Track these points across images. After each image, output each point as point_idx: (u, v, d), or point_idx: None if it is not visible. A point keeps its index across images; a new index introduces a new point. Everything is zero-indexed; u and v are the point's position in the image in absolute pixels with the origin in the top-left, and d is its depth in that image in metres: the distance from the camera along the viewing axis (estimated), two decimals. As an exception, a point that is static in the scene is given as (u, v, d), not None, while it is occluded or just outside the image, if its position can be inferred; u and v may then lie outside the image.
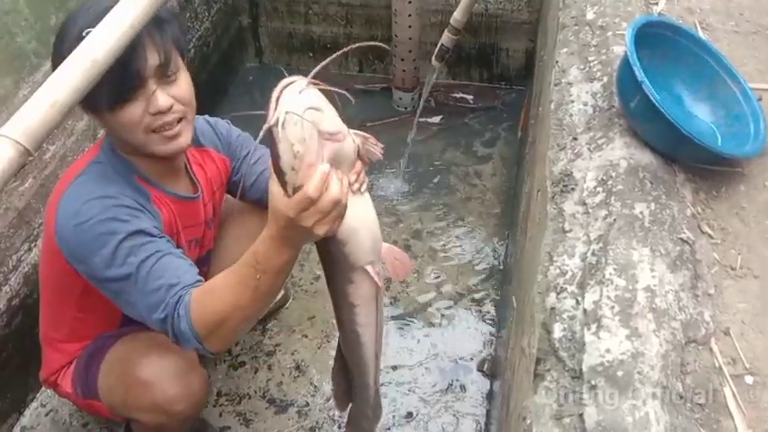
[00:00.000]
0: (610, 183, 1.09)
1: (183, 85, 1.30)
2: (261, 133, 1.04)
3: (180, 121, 1.30)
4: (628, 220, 1.02)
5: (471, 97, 3.09)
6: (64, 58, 1.15)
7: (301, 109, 1.02)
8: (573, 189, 1.13)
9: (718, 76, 1.21)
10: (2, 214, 1.82)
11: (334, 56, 1.19)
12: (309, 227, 1.06)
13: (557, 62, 1.41)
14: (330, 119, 1.08)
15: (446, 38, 2.25)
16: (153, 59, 1.23)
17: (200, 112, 1.49)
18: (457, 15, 2.20)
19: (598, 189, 1.09)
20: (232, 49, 3.14)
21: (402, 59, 2.82)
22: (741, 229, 1.07)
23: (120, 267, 1.24)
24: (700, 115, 1.22)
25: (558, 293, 0.98)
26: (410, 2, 2.62)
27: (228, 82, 3.14)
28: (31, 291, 1.89)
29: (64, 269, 1.34)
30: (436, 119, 3.00)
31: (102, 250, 1.24)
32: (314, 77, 1.12)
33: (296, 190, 1.07)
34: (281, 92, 1.06)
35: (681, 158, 1.13)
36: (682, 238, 1.01)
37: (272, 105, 1.04)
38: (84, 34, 1.19)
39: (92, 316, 1.54)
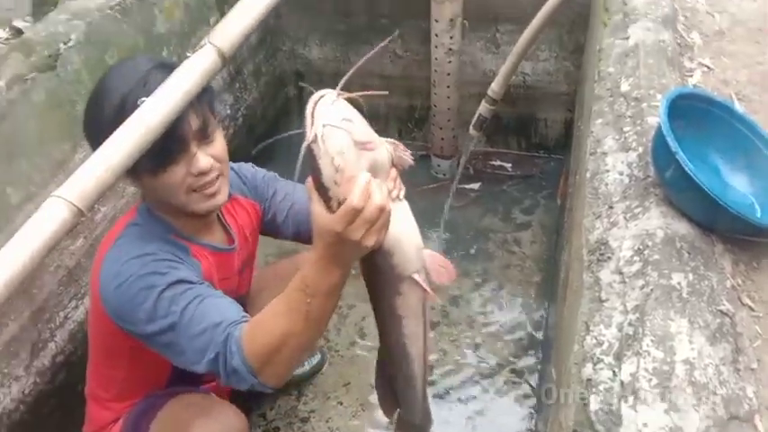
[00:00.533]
0: (646, 252, 1.08)
1: (219, 143, 1.36)
2: (301, 151, 1.03)
3: (218, 177, 1.36)
4: (665, 291, 1.01)
5: (510, 165, 3.12)
6: (101, 122, 1.23)
7: (336, 121, 1.02)
8: (609, 258, 1.12)
9: (754, 147, 1.21)
10: (52, 272, 1.89)
11: (360, 62, 1.17)
12: (358, 240, 1.05)
13: (592, 132, 1.43)
14: (362, 128, 1.07)
15: (484, 108, 2.30)
16: (194, 123, 1.29)
17: None
18: (494, 86, 2.25)
19: (634, 258, 1.09)
20: (278, 118, 3.26)
21: (441, 128, 2.89)
22: (784, 302, 1.04)
23: (164, 319, 1.25)
24: (737, 186, 1.21)
25: (594, 364, 0.97)
26: (449, 74, 2.70)
27: (275, 149, 3.25)
28: (75, 348, 1.94)
29: (111, 330, 1.37)
30: (475, 186, 3.03)
31: (144, 305, 1.26)
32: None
33: (340, 204, 1.04)
34: (314, 107, 1.04)
35: (719, 229, 1.13)
36: (721, 310, 1.00)
37: (308, 122, 1.03)
38: (138, 103, 1.27)
39: (140, 375, 1.56)
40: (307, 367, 2.22)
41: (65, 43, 1.89)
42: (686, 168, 1.04)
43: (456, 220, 2.86)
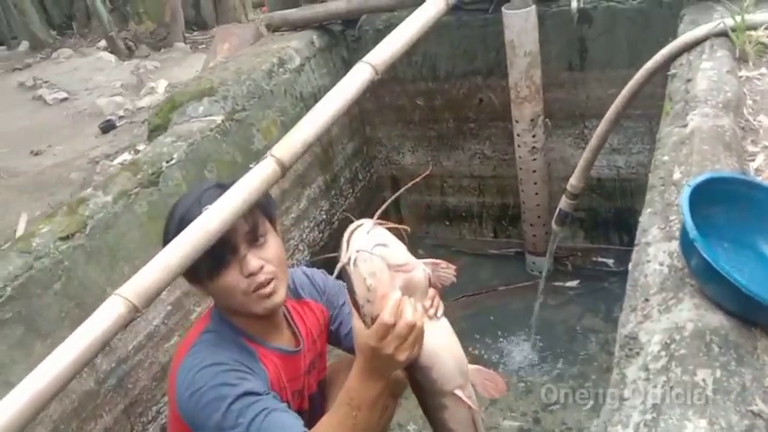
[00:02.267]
0: (673, 347, 1.00)
1: (273, 247, 1.45)
2: (335, 272, 1.18)
3: (272, 280, 1.45)
4: (686, 388, 0.93)
5: (611, 261, 3.00)
6: (167, 242, 1.37)
7: (369, 247, 1.13)
8: (638, 353, 1.05)
9: (808, 232, 1.11)
10: (147, 367, 2.06)
11: (396, 194, 1.32)
12: (391, 353, 1.13)
13: (640, 222, 1.37)
14: (397, 252, 1.17)
15: (564, 203, 2.28)
16: (242, 228, 1.41)
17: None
18: (573, 181, 2.23)
19: (661, 353, 1.01)
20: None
21: (532, 225, 2.86)
22: (837, 404, 0.91)
23: (232, 430, 1.33)
24: (790, 274, 1.10)
25: (606, 467, 0.90)
26: (534, 171, 2.71)
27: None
28: (167, 446, 2.06)
29: None
30: (573, 283, 2.93)
31: (214, 415, 1.34)
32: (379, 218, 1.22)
33: (374, 321, 1.14)
34: (351, 234, 1.19)
35: (761, 322, 1.02)
36: (752, 411, 0.89)
37: (344, 247, 1.17)
38: (203, 210, 1.42)
39: None
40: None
41: (167, 162, 2.15)
42: (705, 256, 0.98)
43: (552, 318, 2.76)
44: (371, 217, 1.20)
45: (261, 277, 1.42)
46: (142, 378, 2.04)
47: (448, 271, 1.25)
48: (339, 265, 1.16)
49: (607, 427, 0.96)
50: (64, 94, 4.22)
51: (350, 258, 1.13)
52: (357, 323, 1.20)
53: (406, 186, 1.36)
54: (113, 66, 5.04)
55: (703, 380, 0.94)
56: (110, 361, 1.94)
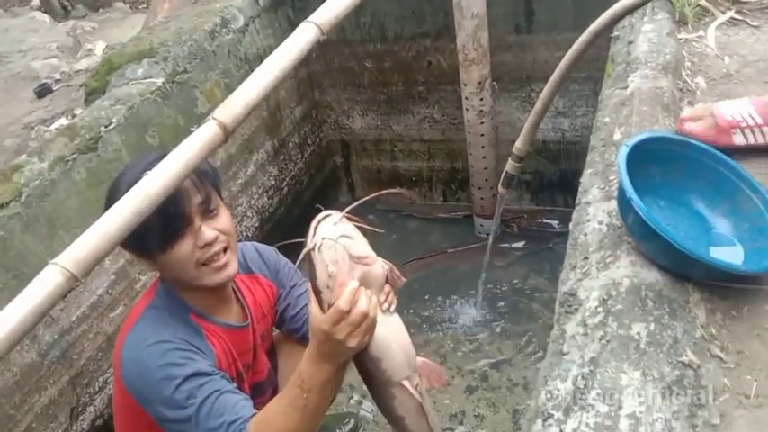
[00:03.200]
0: (610, 302, 1.04)
1: (224, 218, 1.43)
2: (300, 257, 1.22)
3: (225, 250, 1.43)
4: (622, 342, 0.96)
5: (556, 222, 3.06)
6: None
7: (335, 236, 1.19)
8: (577, 309, 1.08)
9: (739, 190, 1.15)
10: (92, 338, 2.02)
11: (364, 199, 1.35)
12: (342, 339, 1.18)
13: (581, 183, 1.40)
14: (360, 245, 1.23)
15: (510, 165, 2.29)
16: (196, 199, 1.38)
17: (294, 244, 1.62)
18: (518, 144, 2.24)
19: (599, 309, 1.04)
20: (325, 185, 3.38)
21: (479, 188, 2.89)
22: (761, 353, 0.96)
23: (182, 410, 1.33)
24: (722, 230, 1.15)
25: (544, 420, 0.92)
26: (482, 134, 2.72)
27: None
28: (113, 412, 2.03)
29: (134, 405, 1.44)
30: (519, 245, 2.99)
31: (163, 392, 1.34)
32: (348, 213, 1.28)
33: (330, 306, 1.20)
34: (319, 222, 1.23)
35: (694, 277, 1.06)
36: (683, 362, 0.93)
37: (311, 234, 1.22)
38: (142, 176, 1.37)
39: None
40: (340, 434, 2.21)
41: (106, 126, 2.08)
42: (641, 214, 1.01)
43: (499, 279, 2.81)
44: (338, 207, 1.26)
45: (216, 247, 1.40)
46: (87, 349, 2.00)
47: (399, 278, 1.32)
48: (304, 251, 1.20)
49: (547, 381, 0.99)
50: (-5, 57, 4.01)
51: (315, 245, 1.17)
52: (314, 308, 1.24)
53: (375, 195, 1.37)
54: (48, 26, 4.80)
55: (638, 333, 0.98)
56: (52, 332, 1.89)
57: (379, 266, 1.26)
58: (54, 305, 1.24)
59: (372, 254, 1.25)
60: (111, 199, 1.42)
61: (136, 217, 1.34)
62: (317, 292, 1.22)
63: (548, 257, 2.90)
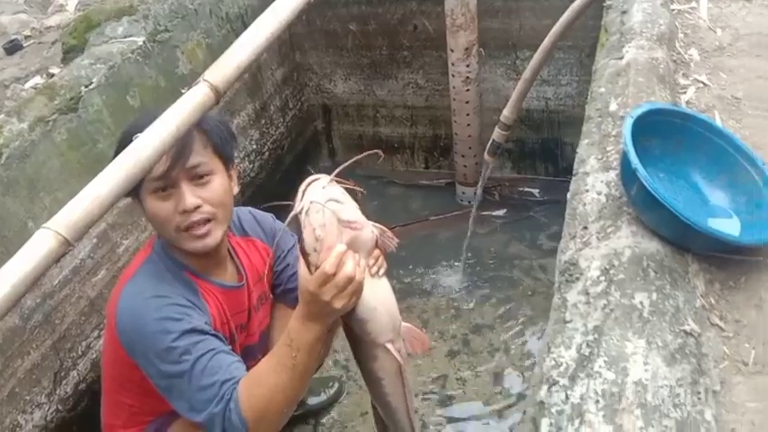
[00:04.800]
0: (612, 272, 1.06)
1: (216, 187, 1.41)
2: (287, 220, 1.23)
3: (209, 221, 1.40)
4: (625, 311, 0.98)
5: (538, 191, 3.09)
6: None
7: (323, 200, 1.19)
8: (578, 278, 1.10)
9: (737, 163, 1.17)
10: (74, 302, 1.98)
11: (351, 161, 1.34)
12: (328, 300, 1.20)
13: (577, 153, 1.41)
14: (349, 209, 1.23)
15: (497, 133, 2.30)
16: (186, 162, 1.35)
17: (275, 209, 1.61)
18: (506, 112, 2.25)
19: (600, 278, 1.06)
20: (307, 150, 3.34)
21: (463, 156, 2.89)
22: (759, 322, 0.99)
23: (176, 365, 1.33)
24: (719, 203, 1.17)
25: (550, 386, 0.94)
26: (467, 102, 2.71)
27: (303, 181, 3.31)
28: (97, 376, 2.00)
29: (123, 359, 1.43)
30: (500, 212, 3.01)
31: (157, 346, 1.33)
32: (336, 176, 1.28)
33: (317, 269, 1.21)
34: (307, 186, 1.22)
35: (694, 248, 1.09)
36: (685, 330, 0.96)
37: (299, 197, 1.22)
38: (133, 138, 1.34)
39: (148, 401, 1.62)
40: (324, 397, 2.23)
41: (86, 86, 2.01)
42: (647, 185, 1.02)
43: (481, 246, 2.83)
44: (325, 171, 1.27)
45: (195, 216, 1.38)
46: (70, 313, 1.97)
47: (392, 240, 1.33)
48: (292, 214, 1.20)
49: (550, 348, 1.01)
50: (-43, 10, 3.83)
51: (302, 208, 1.18)
52: (302, 269, 1.25)
53: (361, 156, 1.37)
54: (13, -21, 4.58)
55: (641, 302, 1.00)
56: (35, 297, 1.85)
57: (369, 231, 1.27)
58: (47, 270, 1.22)
59: (362, 218, 1.26)
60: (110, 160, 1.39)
61: (126, 181, 1.31)
62: (305, 255, 1.23)
63: (528, 225, 2.93)
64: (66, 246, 1.24)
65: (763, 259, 1.08)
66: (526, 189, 3.10)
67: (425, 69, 2.99)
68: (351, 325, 1.34)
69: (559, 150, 2.99)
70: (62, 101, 1.95)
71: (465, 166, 2.92)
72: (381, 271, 1.32)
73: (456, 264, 2.74)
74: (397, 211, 3.10)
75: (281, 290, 1.74)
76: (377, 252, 1.31)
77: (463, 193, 3.03)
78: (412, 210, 3.12)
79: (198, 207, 1.37)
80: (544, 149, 3.03)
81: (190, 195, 1.35)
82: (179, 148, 1.35)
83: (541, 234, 2.87)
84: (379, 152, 1.49)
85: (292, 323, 1.28)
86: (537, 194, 3.07)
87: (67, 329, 1.96)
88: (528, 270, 2.73)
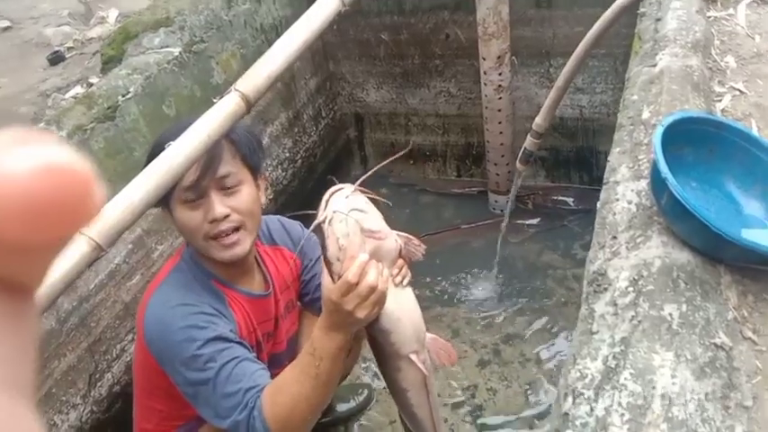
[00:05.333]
0: (641, 282, 1.03)
1: (245, 196, 1.43)
2: (311, 228, 1.25)
3: (238, 230, 1.42)
4: (654, 322, 0.96)
5: (572, 200, 3.04)
6: None
7: (346, 209, 1.19)
8: (606, 289, 1.08)
9: (772, 171, 1.13)
10: (110, 306, 2.03)
11: (378, 166, 1.35)
12: (351, 310, 1.19)
13: (608, 161, 1.39)
14: (372, 219, 1.24)
15: (529, 142, 2.28)
16: (216, 172, 1.37)
17: (307, 216, 1.63)
18: (538, 120, 2.23)
19: (629, 289, 1.04)
20: (339, 158, 3.36)
21: (495, 164, 2.87)
22: (793, 336, 0.96)
23: (201, 372, 1.35)
24: (754, 213, 1.14)
25: (574, 398, 0.93)
26: (499, 110, 2.70)
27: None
28: (130, 379, 2.03)
29: (153, 366, 1.46)
30: (534, 221, 2.98)
31: (183, 354, 1.36)
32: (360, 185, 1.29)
33: (340, 278, 1.21)
34: (331, 195, 1.23)
35: (726, 259, 1.06)
36: (715, 344, 0.93)
37: (322, 206, 1.22)
38: (166, 146, 1.37)
39: (177, 407, 1.64)
40: (353, 404, 2.24)
41: (123, 96, 2.06)
42: (677, 194, 1.00)
43: (513, 256, 2.81)
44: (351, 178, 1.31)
45: (223, 225, 1.40)
46: (105, 317, 2.01)
47: (418, 248, 1.33)
48: (315, 223, 1.21)
49: (576, 360, 0.99)
50: (6, 23, 3.96)
51: (326, 217, 1.18)
52: (326, 279, 1.26)
53: (387, 161, 1.37)
54: (58, -8, 4.74)
55: (670, 314, 0.97)
56: (71, 300, 1.90)
57: (392, 240, 1.27)
58: (80, 274, 1.25)
59: (386, 227, 1.26)
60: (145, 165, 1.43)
61: (158, 188, 1.34)
62: (329, 264, 1.24)
63: (562, 235, 2.89)
64: (99, 251, 1.27)
65: (800, 271, 1.05)
66: (560, 198, 3.06)
67: (457, 78, 2.98)
68: (374, 335, 1.34)
69: (594, 159, 2.95)
70: (100, 110, 2.00)
71: (497, 174, 2.90)
72: (405, 281, 1.32)
73: (488, 273, 2.72)
74: (430, 219, 3.09)
75: (309, 299, 1.75)
76: (401, 262, 1.31)
77: (496, 201, 3.01)
78: (444, 218, 3.11)
79: (227, 216, 1.39)
80: (578, 158, 2.99)
81: (219, 204, 1.38)
82: (208, 159, 1.38)
83: (575, 243, 2.83)
84: (406, 150, 1.49)
85: (315, 332, 1.29)
86: (571, 203, 3.03)
87: (102, 333, 2.00)
88: (561, 280, 2.69)
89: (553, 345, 2.42)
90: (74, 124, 1.92)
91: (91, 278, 1.97)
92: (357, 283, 1.18)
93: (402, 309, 1.30)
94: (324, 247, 1.22)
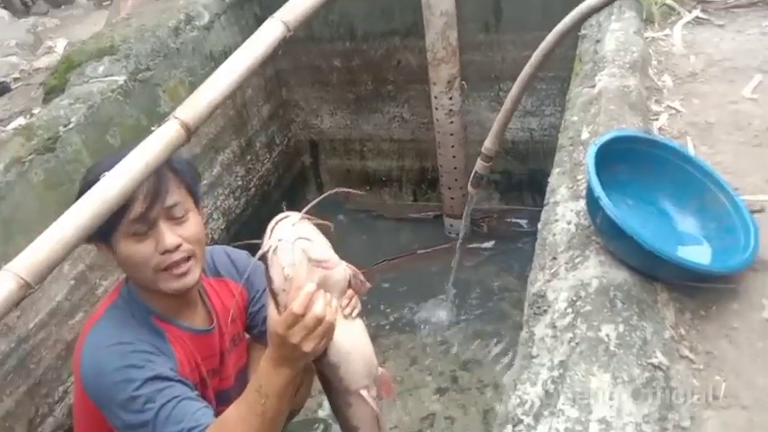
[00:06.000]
0: (578, 303, 1.02)
1: (193, 226, 1.38)
2: (255, 258, 1.20)
3: (189, 259, 1.38)
4: (591, 344, 0.95)
5: (525, 221, 3.06)
6: None
7: (292, 238, 1.16)
8: (545, 311, 1.07)
9: (706, 189, 1.14)
10: (51, 346, 1.95)
11: (320, 197, 1.31)
12: (297, 343, 1.15)
13: (548, 182, 1.39)
14: (320, 248, 1.20)
15: (479, 165, 2.28)
16: (164, 202, 1.33)
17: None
18: (487, 143, 2.23)
19: (568, 310, 1.03)
20: (294, 185, 3.33)
21: (449, 188, 2.88)
22: (730, 353, 0.96)
23: (140, 414, 1.28)
24: (689, 229, 1.14)
25: (514, 426, 0.90)
26: (452, 134, 2.71)
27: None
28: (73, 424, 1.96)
29: (93, 411, 1.39)
30: (488, 244, 2.98)
31: (120, 396, 1.29)
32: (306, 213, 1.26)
33: (286, 310, 1.16)
34: (276, 224, 1.19)
35: (662, 277, 1.06)
36: (653, 363, 0.92)
37: (267, 234, 1.18)
38: (101, 177, 1.32)
39: None
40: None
41: (64, 126, 2.01)
42: (610, 213, 0.99)
43: (469, 279, 2.80)
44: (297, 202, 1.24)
45: (176, 256, 1.35)
46: (46, 357, 1.93)
47: (363, 285, 1.30)
48: (260, 252, 1.18)
49: (516, 385, 0.97)
50: (-50, 54, 3.88)
51: (270, 246, 1.15)
52: (272, 311, 1.21)
53: (324, 195, 1.33)
54: (7, 22, 4.65)
55: (607, 335, 0.96)
56: (9, 341, 1.82)
57: (341, 270, 1.24)
58: (7, 314, 1.19)
59: (334, 257, 1.23)
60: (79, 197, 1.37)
61: (92, 221, 1.28)
62: (274, 295, 1.19)
63: (517, 257, 2.89)
64: (27, 288, 1.21)
65: (735, 287, 1.05)
66: (514, 220, 3.08)
67: (410, 103, 2.99)
68: (322, 370, 1.29)
69: (545, 180, 2.96)
70: (39, 141, 1.95)
71: (452, 198, 2.91)
72: (355, 312, 1.28)
73: (444, 298, 2.71)
74: (386, 244, 3.08)
75: (257, 331, 1.70)
76: (350, 292, 1.27)
77: (451, 225, 3.01)
78: (401, 243, 3.09)
79: (178, 246, 1.35)
80: (531, 180, 3.01)
81: (170, 234, 1.33)
82: (155, 189, 1.33)
83: (529, 265, 2.82)
84: (347, 190, 1.46)
85: (261, 368, 1.24)
86: (525, 225, 3.05)
87: (43, 374, 1.92)
88: (517, 302, 2.68)
89: (510, 369, 2.40)
90: (11, 156, 1.85)
91: (30, 317, 1.89)
92: (303, 315, 1.14)
93: (352, 342, 1.26)
94: (269, 278, 1.18)
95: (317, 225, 1.23)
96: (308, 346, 1.16)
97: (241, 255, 1.72)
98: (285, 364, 1.21)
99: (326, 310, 1.16)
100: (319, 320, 1.15)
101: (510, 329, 2.55)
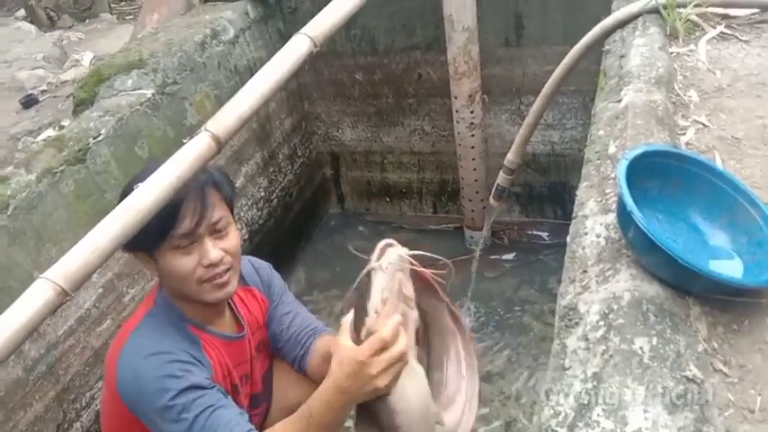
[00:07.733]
0: (611, 316, 1.03)
1: (233, 239, 1.43)
2: (361, 274, 1.21)
3: (228, 270, 1.41)
4: (625, 356, 0.96)
5: (546, 234, 3.07)
6: None
7: (398, 266, 1.20)
8: (577, 323, 1.07)
9: (737, 203, 1.15)
10: (79, 353, 1.98)
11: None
12: (374, 374, 1.15)
13: (576, 196, 1.40)
14: (410, 287, 1.24)
15: (501, 178, 2.30)
16: (210, 218, 1.37)
17: (283, 256, 1.57)
18: (510, 156, 2.25)
19: (600, 323, 1.04)
20: (315, 197, 3.36)
21: (470, 200, 2.89)
22: (764, 367, 0.96)
23: (176, 423, 1.31)
24: (720, 244, 1.15)
25: (548, 436, 0.91)
26: (473, 147, 2.73)
27: (311, 227, 3.33)
28: (101, 428, 1.98)
29: (125, 416, 1.41)
30: (509, 256, 2.99)
31: (157, 403, 1.32)
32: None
33: (368, 335, 1.17)
34: (387, 246, 1.23)
35: (694, 290, 1.06)
36: (687, 376, 0.93)
37: (377, 253, 1.22)
38: (134, 188, 1.36)
39: None
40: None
41: (94, 138, 2.05)
42: (643, 227, 1.00)
43: (490, 291, 2.81)
44: None
45: (219, 268, 1.39)
46: (74, 364, 1.96)
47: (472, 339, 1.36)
48: (367, 267, 1.19)
49: (549, 397, 0.98)
50: (-21, 67, 3.96)
51: (380, 265, 1.17)
52: (344, 338, 1.20)
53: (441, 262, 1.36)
54: (34, 37, 4.75)
55: (641, 348, 0.97)
56: (39, 347, 1.85)
57: (416, 314, 1.26)
58: (44, 320, 1.22)
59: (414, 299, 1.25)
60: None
61: (126, 231, 1.32)
62: (361, 314, 1.18)
63: (538, 269, 2.90)
64: (64, 296, 1.24)
65: (767, 301, 1.05)
66: (535, 232, 3.09)
67: (431, 116, 3.02)
68: (378, 414, 1.24)
69: (567, 194, 2.98)
70: (70, 152, 1.99)
71: (473, 210, 2.92)
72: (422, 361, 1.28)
73: (464, 309, 2.71)
74: (406, 256, 3.08)
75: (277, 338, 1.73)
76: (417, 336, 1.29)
77: (471, 237, 3.02)
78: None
79: (221, 259, 1.38)
80: (552, 193, 3.02)
81: (214, 249, 1.37)
82: (203, 206, 1.37)
83: (551, 278, 2.84)
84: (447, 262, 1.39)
85: (317, 398, 1.24)
86: (546, 238, 3.06)
87: (71, 380, 1.95)
88: (538, 315, 2.69)
89: (532, 381, 2.40)
90: (43, 167, 1.90)
91: (59, 324, 1.93)
92: (390, 343, 1.14)
93: (415, 389, 1.23)
94: (367, 294, 1.18)
95: (433, 263, 1.29)
96: (383, 380, 1.15)
97: (264, 265, 1.76)
98: (345, 397, 1.20)
99: (407, 347, 1.16)
100: (402, 354, 1.14)
101: (531, 342, 2.55)
